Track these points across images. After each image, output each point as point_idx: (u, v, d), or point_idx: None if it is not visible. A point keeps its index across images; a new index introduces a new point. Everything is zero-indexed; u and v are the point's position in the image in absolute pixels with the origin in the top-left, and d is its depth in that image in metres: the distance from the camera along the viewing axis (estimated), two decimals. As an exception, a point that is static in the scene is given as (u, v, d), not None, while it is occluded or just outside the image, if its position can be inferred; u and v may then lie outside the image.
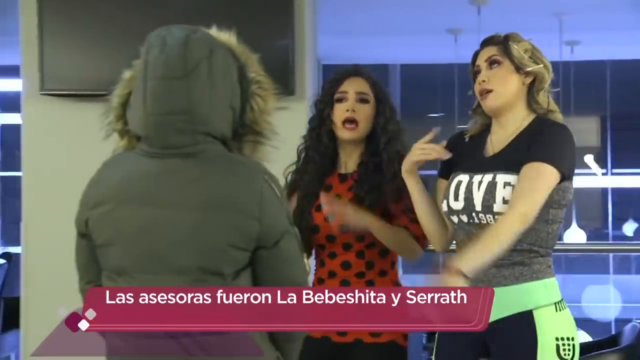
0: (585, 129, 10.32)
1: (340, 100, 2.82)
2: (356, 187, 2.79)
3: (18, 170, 4.20)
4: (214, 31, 2.08)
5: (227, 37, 2.09)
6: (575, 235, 8.02)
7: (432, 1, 6.75)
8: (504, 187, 2.50)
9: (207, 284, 1.93)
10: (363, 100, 2.82)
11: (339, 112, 2.80)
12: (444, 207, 2.61)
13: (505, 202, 2.48)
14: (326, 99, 2.84)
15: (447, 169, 2.68)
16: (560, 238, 8.95)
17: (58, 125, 4.05)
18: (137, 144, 2.06)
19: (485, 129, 2.69)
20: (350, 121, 2.79)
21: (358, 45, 8.48)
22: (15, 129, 5.54)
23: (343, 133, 2.80)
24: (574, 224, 8.34)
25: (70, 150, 4.01)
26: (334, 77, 2.87)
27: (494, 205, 2.50)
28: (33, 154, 4.07)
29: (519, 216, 2.43)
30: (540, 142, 2.52)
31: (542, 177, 2.47)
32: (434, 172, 2.74)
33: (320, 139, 2.82)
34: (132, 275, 1.97)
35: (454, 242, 2.64)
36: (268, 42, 3.85)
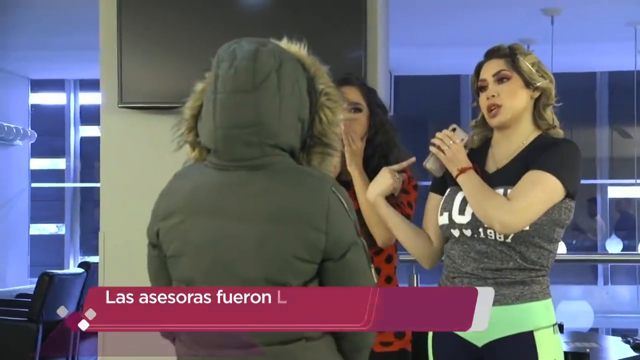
0: (661, 137, 10.16)
1: None
2: None
3: (97, 181, 4.29)
4: (284, 43, 2.09)
5: (297, 48, 2.09)
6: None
7: (505, 12, 6.72)
8: None
9: None
10: (355, 110, 2.82)
11: None
12: (444, 220, 2.58)
13: None
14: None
15: (442, 184, 2.66)
16: (635, 248, 8.78)
17: (136, 137, 4.13)
18: (207, 155, 2.07)
19: (484, 143, 2.66)
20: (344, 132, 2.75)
21: (429, 56, 8.47)
22: (94, 141, 5.67)
23: None
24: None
25: (147, 162, 4.07)
26: None
27: None
28: (111, 166, 4.15)
29: (507, 210, 2.42)
30: (549, 154, 2.48)
31: (543, 185, 2.44)
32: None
33: None
34: (200, 285, 1.98)
35: (449, 257, 2.60)
36: (340, 53, 3.88)
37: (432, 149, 2.59)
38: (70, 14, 6.69)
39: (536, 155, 2.51)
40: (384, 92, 4.35)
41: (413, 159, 2.70)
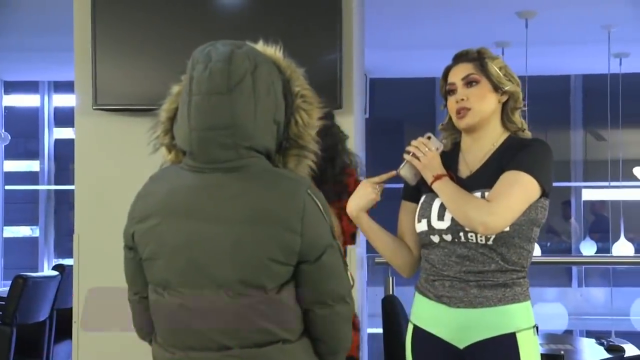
0: (633, 141, 10.20)
1: None
2: None
3: (71, 183, 4.27)
4: (260, 46, 2.09)
5: (273, 51, 2.09)
6: (623, 248, 7.93)
7: (480, 15, 6.74)
8: None
9: (249, 298, 1.95)
10: None
11: None
12: (422, 227, 2.58)
13: None
14: None
15: (415, 191, 2.65)
16: (609, 250, 8.85)
17: (110, 140, 4.12)
18: (183, 158, 2.07)
19: (454, 147, 2.67)
20: None
21: (404, 58, 8.48)
22: (69, 143, 5.64)
23: None
24: (622, 237, 8.26)
25: (122, 164, 4.06)
26: None
27: None
28: (85, 168, 4.13)
29: (488, 211, 2.42)
30: (523, 154, 2.50)
31: (520, 184, 2.46)
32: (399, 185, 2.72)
33: None
34: (176, 288, 1.99)
35: (428, 261, 2.61)
36: (316, 56, 3.89)
37: (406, 156, 2.58)
38: (44, 15, 6.64)
39: (509, 156, 2.52)
40: (359, 94, 4.35)
41: (393, 173, 2.67)
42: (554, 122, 10.30)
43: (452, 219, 2.51)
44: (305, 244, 1.96)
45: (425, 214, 2.58)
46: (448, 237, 2.54)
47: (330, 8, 3.91)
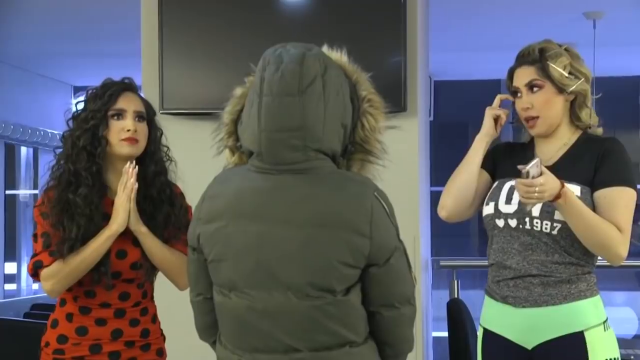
0: None
1: (117, 116, 2.63)
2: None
3: (138, 186, 4.33)
4: (324, 50, 2.08)
5: (338, 55, 2.09)
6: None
7: (546, 15, 6.68)
8: None
9: (318, 300, 1.95)
10: (141, 118, 2.67)
11: (118, 130, 2.62)
12: (489, 210, 2.56)
13: None
14: (99, 115, 2.63)
15: (491, 166, 2.64)
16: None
17: (177, 143, 4.14)
18: (247, 160, 2.07)
19: (530, 141, 2.66)
20: (131, 138, 2.62)
21: (469, 61, 8.45)
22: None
23: (123, 149, 2.62)
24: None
25: (189, 167, 4.09)
26: (101, 92, 2.67)
27: (555, 212, 2.45)
28: (153, 171, 4.18)
29: (622, 242, 2.44)
30: (615, 165, 2.48)
31: (631, 202, 2.48)
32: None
33: (93, 158, 2.62)
34: (242, 290, 1.99)
35: (493, 252, 2.59)
36: (380, 59, 3.88)
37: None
38: (112, 22, 6.76)
39: (602, 161, 2.49)
40: (424, 97, 4.34)
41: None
42: (623, 123, 10.15)
43: (519, 203, 2.47)
44: (374, 247, 1.96)
45: (494, 197, 2.58)
46: (513, 222, 2.52)
47: (394, 11, 3.90)
